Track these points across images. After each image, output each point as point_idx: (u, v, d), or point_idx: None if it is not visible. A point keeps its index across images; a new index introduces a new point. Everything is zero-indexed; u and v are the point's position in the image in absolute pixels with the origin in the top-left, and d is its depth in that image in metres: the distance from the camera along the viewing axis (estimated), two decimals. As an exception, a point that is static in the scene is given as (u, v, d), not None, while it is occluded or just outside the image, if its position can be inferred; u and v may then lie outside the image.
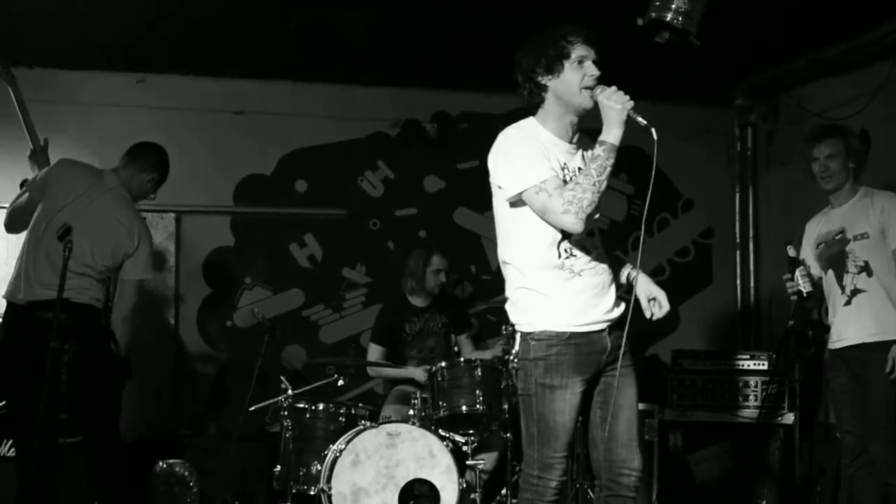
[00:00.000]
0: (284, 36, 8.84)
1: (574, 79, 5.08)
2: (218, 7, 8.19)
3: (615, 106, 4.98)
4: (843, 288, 6.80)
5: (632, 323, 5.16)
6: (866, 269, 6.68)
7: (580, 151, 5.24)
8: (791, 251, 6.86)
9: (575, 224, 4.93)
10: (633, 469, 5.22)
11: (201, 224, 9.87)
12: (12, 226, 7.29)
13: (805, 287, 6.77)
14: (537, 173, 5.02)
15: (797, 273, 6.81)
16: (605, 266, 5.22)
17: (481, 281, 10.20)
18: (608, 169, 4.92)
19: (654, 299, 5.26)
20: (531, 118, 5.30)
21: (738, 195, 10.59)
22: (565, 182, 5.01)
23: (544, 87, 5.18)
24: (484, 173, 10.25)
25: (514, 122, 9.87)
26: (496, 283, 9.85)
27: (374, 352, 8.74)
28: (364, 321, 9.75)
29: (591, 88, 5.06)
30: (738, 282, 10.54)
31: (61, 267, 6.22)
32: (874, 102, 8.59)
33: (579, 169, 5.13)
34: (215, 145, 9.88)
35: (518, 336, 5.25)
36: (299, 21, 8.44)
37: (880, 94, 8.57)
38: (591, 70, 5.08)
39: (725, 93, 10.29)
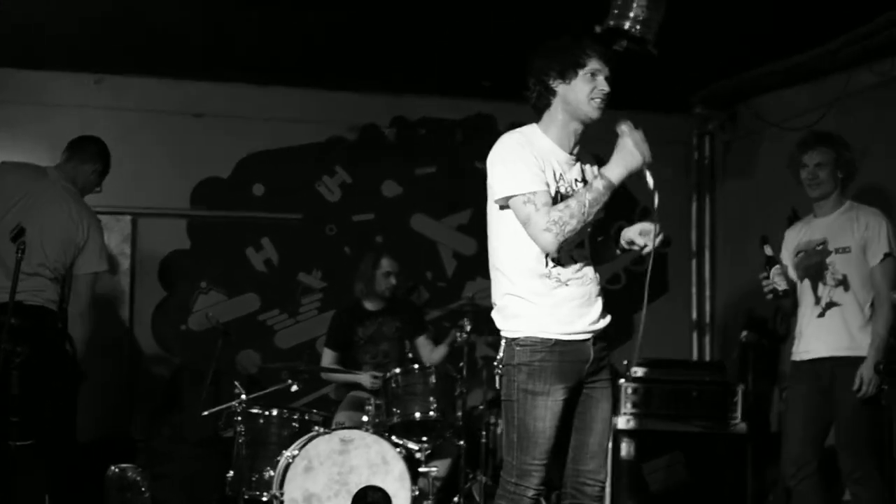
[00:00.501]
0: (244, 38, 8.82)
1: (585, 88, 5.07)
2: (177, 8, 8.15)
3: (635, 153, 5.02)
4: (818, 299, 6.75)
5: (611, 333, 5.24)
6: (844, 283, 6.64)
7: (579, 164, 5.24)
8: (768, 249, 6.76)
9: (551, 244, 4.93)
10: (598, 480, 5.22)
11: (157, 226, 9.83)
12: None
13: (780, 285, 6.72)
14: (530, 183, 4.99)
15: (773, 271, 6.74)
16: (593, 276, 5.20)
17: (437, 287, 10.19)
18: (601, 204, 4.94)
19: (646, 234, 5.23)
20: (533, 125, 5.25)
21: (695, 204, 10.63)
22: (558, 193, 5.04)
23: (553, 92, 5.15)
24: (441, 179, 10.32)
25: (472, 128, 9.96)
26: (452, 290, 9.95)
27: (328, 356, 8.69)
28: (319, 326, 9.73)
29: (599, 101, 5.07)
30: (694, 291, 10.57)
31: (13, 268, 6.17)
32: (831, 113, 8.64)
33: (576, 181, 5.15)
34: (173, 147, 9.84)
35: (503, 342, 5.20)
36: (260, 23, 8.42)
37: (837, 104, 8.61)
38: (603, 85, 5.09)
39: (684, 101, 10.33)
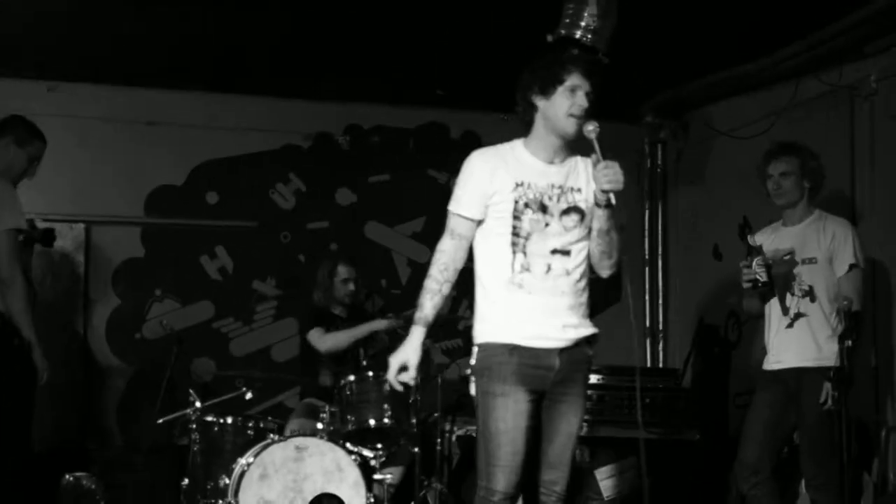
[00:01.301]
0: (198, 46, 8.82)
1: (563, 104, 5.16)
2: (130, 16, 8.15)
3: (602, 183, 5.09)
4: (786, 310, 6.78)
5: (586, 351, 5.29)
6: (811, 293, 6.68)
7: (566, 170, 5.28)
8: (751, 239, 6.77)
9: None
10: (556, 491, 5.25)
11: (111, 234, 9.80)
12: None
13: (762, 276, 6.73)
14: (457, 203, 5.30)
15: (755, 261, 6.74)
16: (569, 289, 5.22)
17: (391, 295, 10.20)
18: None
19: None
20: (518, 140, 5.36)
21: (647, 212, 10.67)
22: (519, 202, 5.16)
23: (535, 107, 5.26)
24: (395, 187, 10.36)
25: (425, 137, 10.01)
26: (406, 297, 9.95)
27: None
28: (274, 334, 9.76)
29: (577, 117, 5.15)
30: (647, 298, 10.61)
31: None
32: (780, 122, 8.72)
33: (552, 186, 5.21)
34: (126, 155, 9.81)
35: (474, 349, 5.30)
36: (213, 29, 8.42)
37: (785, 114, 8.70)
38: (581, 100, 5.16)
39: (635, 110, 10.38)
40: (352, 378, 7.71)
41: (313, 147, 10.32)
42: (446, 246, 5.28)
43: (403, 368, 5.25)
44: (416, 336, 5.27)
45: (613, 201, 5.09)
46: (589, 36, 6.90)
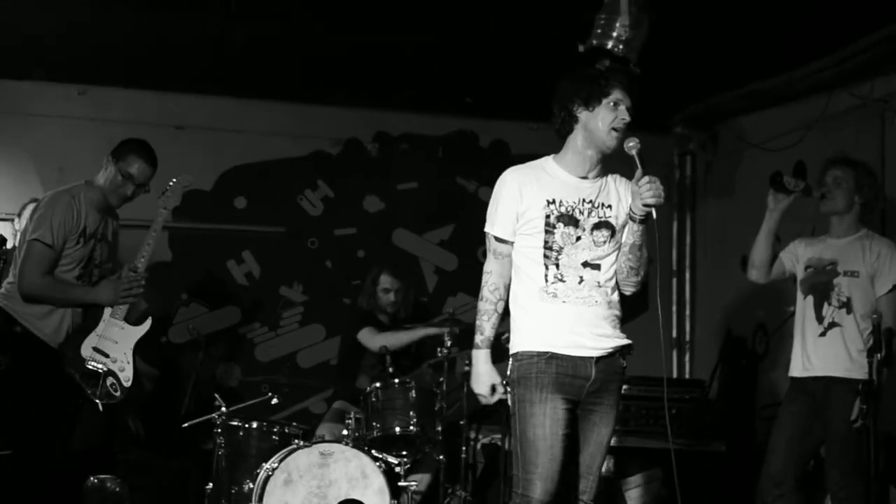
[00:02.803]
0: (228, 52, 8.84)
1: (608, 117, 5.21)
2: (161, 21, 8.18)
3: (646, 198, 5.10)
4: (820, 318, 6.77)
5: (620, 362, 5.40)
6: (847, 305, 6.65)
7: (597, 186, 5.34)
8: (787, 180, 6.80)
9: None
10: (584, 500, 5.31)
11: (138, 238, 9.79)
12: None
13: (791, 183, 6.79)
14: (491, 225, 5.37)
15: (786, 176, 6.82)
16: (602, 299, 5.30)
17: (418, 303, 10.19)
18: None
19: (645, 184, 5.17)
20: (549, 156, 5.42)
21: (676, 223, 10.66)
22: (551, 216, 5.23)
23: (576, 119, 5.29)
24: (423, 194, 10.36)
25: (453, 145, 10.01)
26: (433, 305, 9.94)
27: (370, 332, 8.57)
28: (300, 340, 9.77)
29: (619, 131, 5.21)
30: (675, 309, 10.60)
31: None
32: (810, 135, 8.69)
33: (584, 200, 5.28)
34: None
35: (509, 360, 5.36)
36: (243, 37, 8.44)
37: (816, 126, 8.67)
38: (624, 115, 5.22)
39: (665, 121, 10.37)
40: (378, 385, 7.72)
41: (342, 154, 10.33)
42: (492, 266, 5.38)
43: (493, 390, 5.36)
44: (484, 359, 5.37)
45: (654, 216, 5.13)
46: (620, 47, 6.88)
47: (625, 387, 8.30)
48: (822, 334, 6.74)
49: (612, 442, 8.34)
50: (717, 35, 8.03)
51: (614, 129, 5.20)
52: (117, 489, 8.11)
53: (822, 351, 6.72)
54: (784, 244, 7.13)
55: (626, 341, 5.42)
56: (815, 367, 6.74)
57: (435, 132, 10.46)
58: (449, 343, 8.14)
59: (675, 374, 10.43)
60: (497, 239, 5.36)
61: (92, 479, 8.12)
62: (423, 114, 10.32)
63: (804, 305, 6.89)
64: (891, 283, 6.66)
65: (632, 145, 5.16)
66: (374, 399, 7.67)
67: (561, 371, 5.17)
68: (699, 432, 8.46)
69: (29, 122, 9.41)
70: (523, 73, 8.73)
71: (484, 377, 5.35)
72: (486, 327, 5.36)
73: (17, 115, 9.30)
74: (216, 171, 10.05)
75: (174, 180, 7.56)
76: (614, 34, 6.88)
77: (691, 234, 10.61)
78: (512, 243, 5.33)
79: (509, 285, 5.37)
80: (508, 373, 5.31)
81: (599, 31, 6.90)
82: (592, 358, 5.23)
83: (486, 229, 5.39)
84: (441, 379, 8.08)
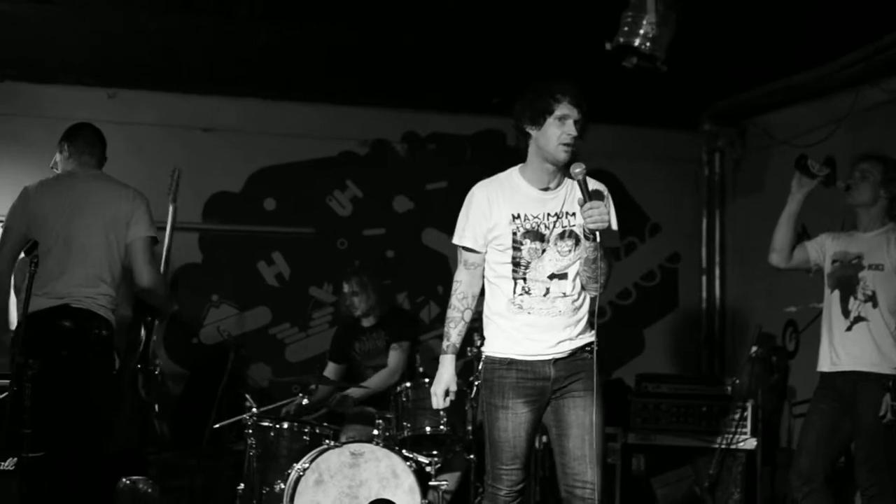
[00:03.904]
0: (255, 53, 8.86)
1: (553, 134, 5.36)
2: (189, 23, 8.20)
3: (589, 224, 5.28)
4: (847, 312, 6.76)
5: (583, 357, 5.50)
6: (873, 299, 6.66)
7: (561, 196, 5.51)
8: (811, 164, 6.88)
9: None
10: (586, 481, 5.41)
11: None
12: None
13: (814, 167, 6.87)
14: (461, 238, 5.71)
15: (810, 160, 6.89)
16: (566, 308, 5.49)
17: (397, 309, 10.17)
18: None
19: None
20: (515, 167, 5.67)
21: (704, 220, 10.62)
22: (517, 232, 5.46)
23: (528, 136, 5.50)
24: (452, 194, 10.37)
25: (481, 144, 10.03)
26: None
27: (330, 369, 8.86)
28: (330, 340, 9.76)
29: (567, 145, 5.34)
30: (704, 307, 10.58)
31: (27, 282, 6.21)
32: (839, 131, 8.66)
33: (548, 214, 5.47)
34: (185, 162, 9.82)
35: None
36: (269, 39, 8.46)
37: (845, 122, 8.64)
38: (570, 129, 5.35)
39: (693, 118, 10.33)
40: (408, 385, 7.73)
41: (370, 154, 10.35)
42: (462, 276, 5.69)
43: (446, 394, 5.71)
44: (449, 364, 5.70)
45: (598, 238, 5.27)
46: (647, 44, 6.87)
47: (653, 385, 8.46)
48: (849, 329, 6.73)
49: (641, 440, 8.47)
50: (744, 31, 8.02)
51: (562, 143, 5.35)
52: (149, 490, 8.14)
53: (848, 345, 6.71)
54: (813, 237, 7.13)
55: (587, 340, 5.55)
56: (842, 362, 6.73)
57: (463, 132, 10.46)
58: (479, 342, 8.14)
59: (704, 372, 10.41)
60: (467, 249, 5.65)
61: (124, 480, 8.15)
62: (452, 114, 10.33)
63: (831, 300, 6.88)
64: None
65: (578, 171, 5.30)
66: (404, 399, 7.69)
67: (521, 376, 5.46)
68: (729, 430, 8.45)
69: (58, 127, 9.37)
70: (551, 72, 8.71)
71: (443, 381, 5.69)
72: (452, 334, 5.67)
73: (46, 118, 9.30)
74: (245, 172, 10.09)
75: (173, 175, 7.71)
76: (641, 31, 6.86)
77: (720, 231, 10.57)
78: (482, 253, 5.60)
79: (477, 294, 5.66)
80: (477, 374, 5.82)
81: (626, 29, 6.89)
82: (550, 360, 5.47)
83: (455, 241, 5.72)
84: (471, 378, 8.08)
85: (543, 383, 5.46)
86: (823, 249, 7.01)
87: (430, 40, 8.45)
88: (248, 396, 7.89)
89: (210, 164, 9.96)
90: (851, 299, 6.76)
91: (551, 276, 5.45)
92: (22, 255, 6.70)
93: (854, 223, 7.01)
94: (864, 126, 8.53)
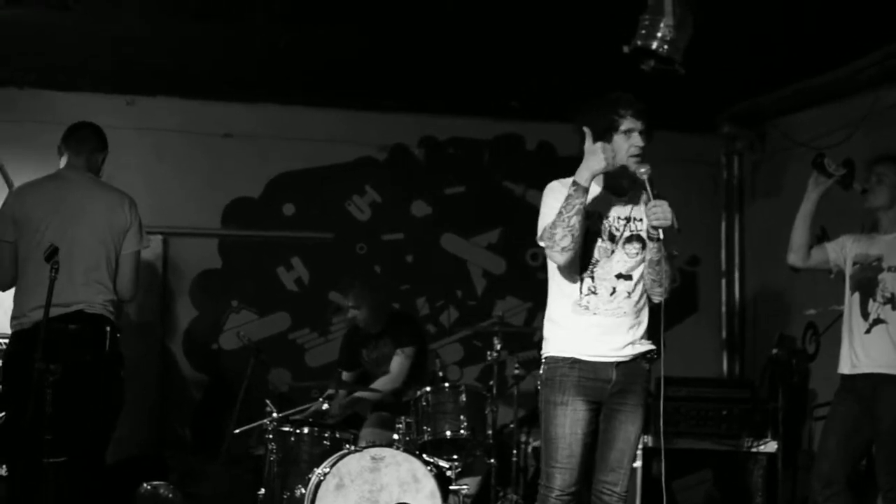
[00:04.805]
0: (273, 59, 8.87)
1: (622, 147, 5.51)
2: (207, 30, 8.21)
3: (599, 157, 5.45)
4: (866, 314, 6.74)
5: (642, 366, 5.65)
6: (892, 301, 6.64)
7: (631, 201, 5.68)
8: (828, 163, 6.90)
9: (553, 255, 5.53)
10: (615, 491, 5.65)
11: (189, 246, 9.89)
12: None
13: (830, 166, 6.88)
14: (545, 222, 5.56)
15: (827, 159, 6.91)
16: (631, 309, 5.63)
17: (467, 306, 10.21)
18: (575, 207, 5.41)
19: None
20: None
21: (724, 223, 10.60)
22: (589, 230, 5.55)
23: None
24: (470, 199, 10.39)
25: (500, 148, 10.05)
26: (482, 309, 9.95)
27: (345, 377, 8.91)
28: (347, 346, 9.80)
29: (636, 157, 5.50)
30: (724, 310, 10.55)
31: (48, 287, 6.24)
32: (858, 133, 8.63)
33: (619, 218, 5.64)
34: (204, 168, 9.91)
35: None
36: (287, 44, 8.47)
37: (863, 124, 8.61)
38: (637, 141, 5.51)
39: (712, 121, 10.33)
40: (428, 389, 7.74)
41: (389, 159, 10.36)
42: (543, 231, 5.54)
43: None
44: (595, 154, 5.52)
45: (661, 236, 5.41)
46: (665, 47, 6.85)
47: (674, 388, 8.45)
48: (868, 331, 6.71)
49: (665, 443, 8.43)
50: (762, 33, 8.00)
51: (631, 156, 5.51)
52: (170, 495, 8.17)
53: (868, 348, 6.69)
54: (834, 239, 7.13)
55: (649, 347, 5.70)
56: (862, 365, 6.71)
57: (481, 136, 10.47)
58: (498, 346, 8.16)
59: (725, 375, 10.39)
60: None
61: (145, 485, 8.18)
62: (469, 118, 10.32)
63: (851, 302, 6.86)
64: None
65: (643, 171, 5.46)
66: (424, 403, 7.70)
67: (583, 375, 5.58)
68: (750, 433, 8.44)
69: (77, 134, 9.46)
70: (568, 75, 8.73)
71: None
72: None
73: (65, 125, 9.28)
74: (264, 178, 10.11)
75: None
76: (659, 34, 6.84)
77: (739, 234, 10.54)
78: None
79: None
80: (540, 373, 5.74)
81: (644, 31, 6.87)
82: (613, 362, 5.59)
83: (540, 229, 5.57)
84: (491, 382, 8.10)
85: (603, 385, 5.59)
86: (844, 251, 6.99)
87: (448, 44, 8.44)
88: (268, 401, 7.90)
89: (229, 170, 9.98)
90: (871, 301, 6.74)
91: (618, 276, 5.58)
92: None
93: (875, 225, 7.00)
94: (883, 128, 8.49)
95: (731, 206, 10.60)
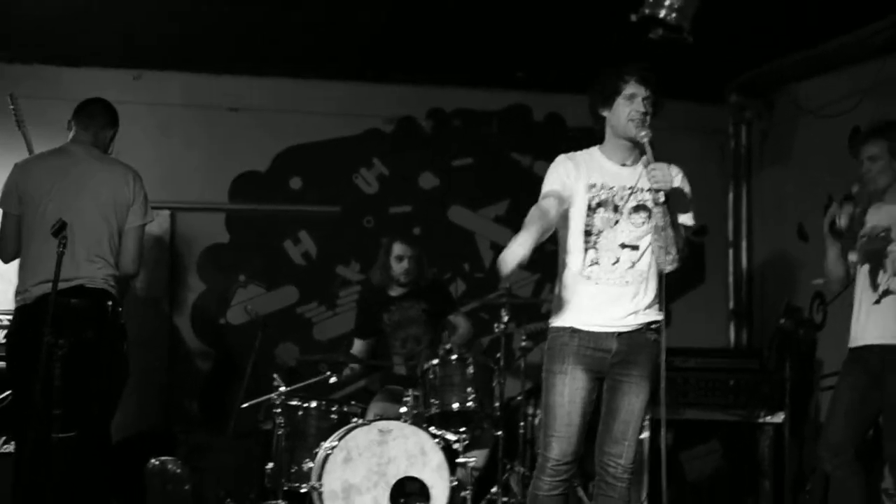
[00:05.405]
0: (282, 33, 8.86)
1: (623, 112, 5.66)
2: (215, 3, 8.20)
3: (650, 183, 5.57)
4: (875, 286, 6.72)
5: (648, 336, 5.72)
6: None
7: (637, 171, 5.74)
8: (836, 212, 6.82)
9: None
10: (620, 462, 5.71)
11: (196, 220, 9.88)
12: (4, 253, 7.13)
13: (841, 221, 6.75)
14: (544, 190, 5.72)
15: (842, 206, 6.79)
16: (637, 279, 5.69)
17: (475, 279, 10.20)
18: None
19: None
20: (595, 146, 5.86)
21: (731, 193, 10.58)
22: (593, 200, 5.67)
23: (602, 118, 5.78)
24: (477, 171, 10.37)
25: (507, 119, 10.03)
26: (489, 281, 9.93)
27: (357, 346, 8.86)
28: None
29: (637, 121, 5.61)
30: (731, 280, 10.55)
31: (56, 262, 6.24)
32: (866, 100, 8.59)
33: (625, 187, 5.71)
34: (211, 142, 9.89)
35: None
36: (294, 18, 8.45)
37: (871, 91, 8.57)
38: (639, 106, 5.63)
39: (720, 90, 10.29)
40: (435, 361, 7.73)
41: (396, 131, 10.33)
42: (533, 211, 5.59)
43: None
44: (525, 238, 5.42)
45: (663, 199, 5.51)
46: (673, 15, 6.83)
47: (682, 359, 8.44)
48: (877, 302, 6.69)
49: (670, 414, 8.43)
50: (769, 1, 7.97)
51: (631, 119, 5.62)
52: (178, 470, 8.18)
53: (877, 319, 6.68)
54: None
55: (655, 317, 5.73)
56: (870, 336, 6.70)
57: (488, 107, 10.44)
58: (506, 318, 8.15)
59: (732, 345, 10.39)
60: (542, 196, 5.69)
61: (153, 460, 8.19)
62: (476, 89, 10.30)
63: (860, 275, 6.83)
64: None
65: (643, 134, 5.58)
66: (431, 376, 7.69)
67: (583, 344, 5.66)
68: (757, 403, 8.44)
69: (84, 109, 9.44)
70: (576, 45, 8.70)
71: (512, 250, 5.38)
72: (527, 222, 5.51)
73: (73, 100, 9.28)
74: (271, 152, 10.09)
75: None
76: (667, 3, 6.82)
77: (747, 203, 10.51)
78: (562, 195, 5.66)
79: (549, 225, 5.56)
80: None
81: (652, 0, 6.86)
82: (614, 332, 5.67)
83: (543, 191, 5.73)
84: (498, 355, 8.09)
85: (604, 355, 5.66)
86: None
87: (455, 15, 8.41)
88: (276, 376, 7.90)
89: (236, 144, 9.97)
90: (880, 273, 6.71)
91: (623, 246, 5.65)
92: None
93: (881, 196, 6.94)
94: (891, 95, 8.45)
95: (738, 175, 10.56)
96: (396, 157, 10.31)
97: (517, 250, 5.26)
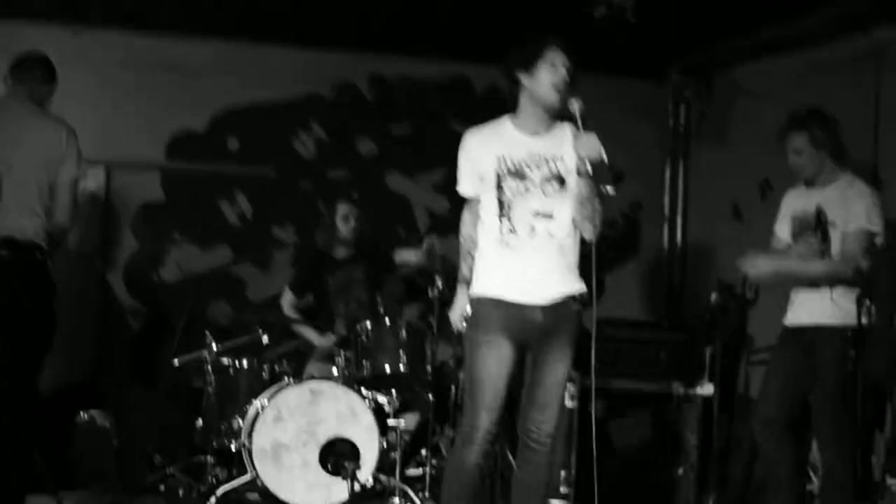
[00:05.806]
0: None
1: (546, 78, 5.60)
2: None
3: (578, 150, 5.56)
4: None
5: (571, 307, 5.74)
6: (828, 254, 6.70)
7: (550, 141, 5.72)
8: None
9: None
10: (544, 430, 5.77)
11: (132, 178, 9.82)
12: None
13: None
14: (459, 185, 5.88)
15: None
16: (557, 249, 5.67)
17: (410, 245, 10.21)
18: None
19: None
20: (506, 116, 5.81)
21: (668, 169, 10.68)
22: (503, 170, 5.65)
23: (520, 84, 5.69)
24: (416, 138, 10.37)
25: (448, 89, 10.02)
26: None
27: (288, 298, 8.83)
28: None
29: (559, 89, 5.60)
30: (665, 254, 10.66)
31: None
32: (805, 85, 8.68)
33: (539, 155, 5.67)
34: (149, 101, 9.82)
35: None
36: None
37: (810, 76, 8.67)
38: (562, 73, 5.60)
39: (661, 69, 10.35)
40: (368, 324, 7.75)
41: (336, 97, 10.32)
42: (465, 217, 5.92)
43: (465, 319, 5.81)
44: (462, 294, 5.88)
45: (590, 170, 5.48)
46: (616, -6, 6.89)
47: (614, 330, 8.51)
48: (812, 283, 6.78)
49: (602, 384, 8.50)
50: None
51: (554, 86, 5.59)
52: (107, 424, 8.17)
53: (808, 300, 6.78)
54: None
55: (578, 287, 5.74)
56: (803, 317, 6.80)
57: (429, 76, 10.45)
58: (440, 284, 8.17)
59: (664, 318, 10.48)
60: (465, 196, 5.86)
61: (81, 413, 8.16)
62: (418, 58, 10.29)
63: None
64: (857, 224, 6.65)
65: (575, 104, 5.58)
66: (364, 338, 7.70)
67: (508, 315, 5.62)
68: (688, 376, 8.52)
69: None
70: (517, 19, 8.71)
71: (458, 307, 5.89)
72: (464, 268, 5.88)
73: (6, 54, 9.21)
74: (209, 112, 10.03)
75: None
76: (609, -18, 6.87)
77: (684, 180, 10.62)
78: (479, 196, 5.78)
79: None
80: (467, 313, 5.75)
81: (595, -23, 6.90)
82: (539, 305, 5.65)
83: (458, 188, 5.88)
84: (431, 319, 8.11)
85: (528, 326, 5.65)
86: (786, 219, 7.04)
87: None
88: (207, 333, 7.89)
89: (174, 104, 9.90)
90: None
91: (536, 214, 5.62)
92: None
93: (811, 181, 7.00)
94: (830, 80, 8.51)
95: (676, 152, 10.65)
96: (335, 122, 10.29)
97: (458, 312, 5.84)
